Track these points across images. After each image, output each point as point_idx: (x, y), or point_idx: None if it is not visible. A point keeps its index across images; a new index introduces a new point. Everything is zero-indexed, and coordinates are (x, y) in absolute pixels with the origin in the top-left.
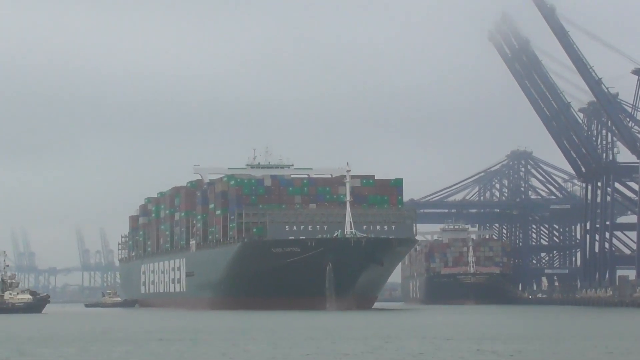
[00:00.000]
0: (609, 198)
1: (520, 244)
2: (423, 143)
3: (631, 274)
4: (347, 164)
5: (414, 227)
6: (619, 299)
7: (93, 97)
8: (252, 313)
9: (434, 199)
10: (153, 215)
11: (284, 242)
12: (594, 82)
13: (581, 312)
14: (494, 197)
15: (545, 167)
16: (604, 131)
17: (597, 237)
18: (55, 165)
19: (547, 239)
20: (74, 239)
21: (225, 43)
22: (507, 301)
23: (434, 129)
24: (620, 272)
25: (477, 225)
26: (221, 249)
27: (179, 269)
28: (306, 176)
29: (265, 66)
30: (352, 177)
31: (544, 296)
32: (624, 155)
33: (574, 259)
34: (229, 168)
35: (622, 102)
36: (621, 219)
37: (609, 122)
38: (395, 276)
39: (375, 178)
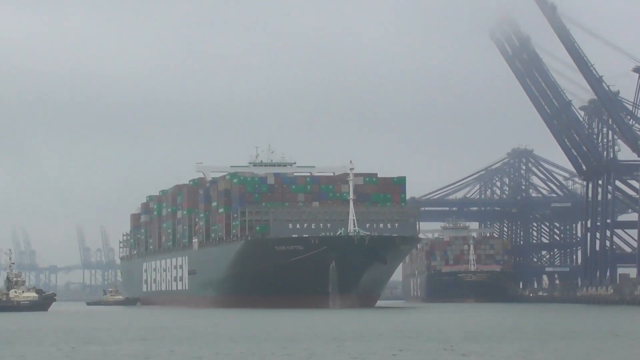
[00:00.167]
0: (609, 196)
1: (521, 242)
2: (423, 141)
3: (632, 272)
4: (350, 162)
5: (417, 225)
6: (619, 297)
7: (93, 96)
8: (259, 312)
9: (434, 197)
10: (155, 213)
11: (288, 240)
12: (594, 80)
13: (580, 310)
14: (495, 195)
15: (546, 165)
16: (604, 129)
17: (598, 235)
18: (55, 164)
19: (548, 237)
20: (75, 237)
21: (228, 41)
22: (508, 299)
23: (434, 127)
24: (621, 270)
25: (478, 223)
26: (224, 247)
27: (181, 267)
28: (309, 174)
29: (267, 65)
30: (355, 175)
31: (545, 294)
32: (625, 153)
33: (574, 257)
34: (231, 166)
35: (623, 100)
36: (622, 217)
37: (610, 120)
38: (396, 274)
39: (378, 176)
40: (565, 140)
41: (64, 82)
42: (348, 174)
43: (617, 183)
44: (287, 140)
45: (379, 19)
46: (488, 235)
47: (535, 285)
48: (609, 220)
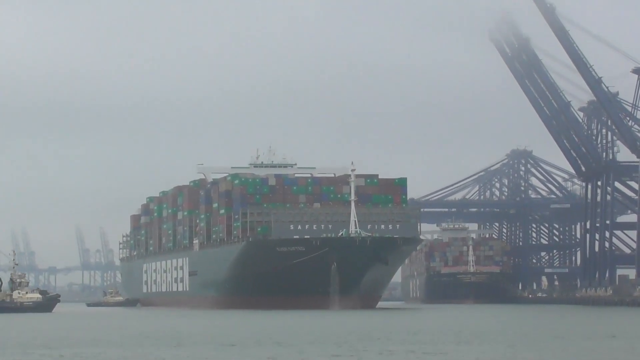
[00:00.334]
0: (609, 197)
1: (520, 243)
2: (423, 142)
3: (631, 273)
4: (352, 163)
5: (418, 226)
6: (618, 298)
7: (93, 96)
8: (263, 313)
9: (434, 198)
10: (155, 214)
11: (289, 242)
12: (594, 81)
13: (578, 311)
14: (494, 196)
15: (545, 166)
16: (604, 130)
17: (597, 236)
18: (55, 164)
19: (547, 238)
20: (74, 239)
21: (229, 42)
22: (507, 300)
23: (433, 128)
24: (620, 272)
25: (477, 224)
26: (225, 248)
27: (181, 268)
28: (310, 175)
29: (268, 65)
30: (356, 176)
31: (544, 295)
32: (624, 154)
33: (574, 258)
34: (232, 167)
35: (622, 101)
36: (621, 218)
37: (609, 121)
38: (395, 275)
39: (379, 177)
40: (565, 141)
41: (64, 82)
42: (349, 175)
43: (616, 184)
44: (287, 141)
45: (378, 21)
46: (487, 236)
47: (535, 287)
48: (608, 222)
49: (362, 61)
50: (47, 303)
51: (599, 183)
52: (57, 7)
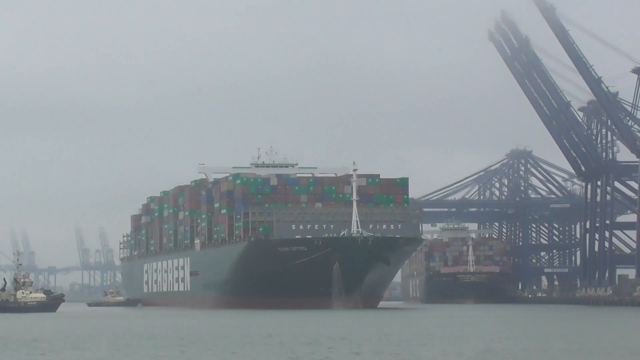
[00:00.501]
0: (608, 197)
1: (520, 243)
2: (422, 142)
3: (631, 273)
4: (354, 162)
5: (420, 226)
6: (618, 298)
7: (94, 95)
8: (268, 313)
9: (433, 198)
10: (156, 214)
11: (291, 241)
12: (593, 81)
13: (577, 311)
14: (494, 196)
15: (545, 166)
16: (603, 130)
17: (596, 236)
18: (55, 164)
19: (546, 238)
20: (74, 238)
21: (229, 42)
22: (507, 300)
23: (433, 128)
24: (620, 271)
25: (476, 224)
26: (227, 248)
27: (182, 268)
28: (311, 175)
29: (269, 65)
30: (358, 176)
31: (544, 295)
32: (624, 154)
33: (573, 258)
34: (233, 167)
35: (621, 101)
36: (621, 218)
37: (609, 121)
38: (395, 275)
39: (381, 177)
40: (564, 141)
41: (64, 82)
42: (351, 175)
43: (616, 184)
44: (288, 141)
45: (379, 21)
46: (487, 236)
47: (534, 287)
48: (607, 221)
49: (363, 61)
50: (52, 303)
51: (599, 183)
52: (57, 6)
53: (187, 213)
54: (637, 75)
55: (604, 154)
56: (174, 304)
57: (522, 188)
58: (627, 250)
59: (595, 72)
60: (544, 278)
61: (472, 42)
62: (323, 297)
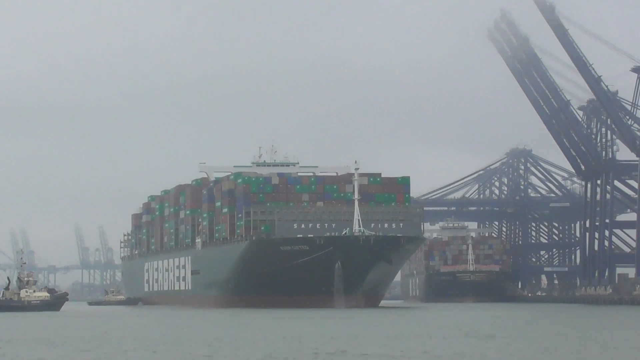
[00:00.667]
0: (608, 196)
1: (520, 241)
2: (422, 141)
3: (631, 271)
4: (356, 161)
5: (422, 225)
6: (618, 297)
7: (94, 95)
8: (272, 311)
9: (433, 197)
10: (157, 213)
11: (293, 240)
12: (593, 80)
13: (577, 310)
14: (494, 195)
15: (544, 165)
16: (603, 129)
17: (596, 235)
18: (54, 164)
19: (546, 237)
20: (73, 237)
21: (229, 42)
22: (507, 299)
23: (433, 127)
24: (619, 270)
25: (476, 223)
26: (228, 247)
27: (184, 267)
28: (312, 174)
29: (269, 65)
30: (359, 175)
31: (544, 294)
32: (624, 153)
33: (573, 256)
34: (234, 166)
35: (621, 100)
36: (621, 217)
37: (609, 120)
38: None
39: (382, 176)
40: (564, 140)
41: (64, 82)
42: (353, 174)
43: (616, 183)
44: (290, 140)
45: (379, 21)
46: (487, 235)
47: (534, 285)
48: (607, 220)
49: (364, 60)
50: (55, 302)
51: (599, 182)
52: (57, 6)
53: (188, 212)
54: (636, 74)
55: (604, 153)
56: (175, 303)
57: (521, 187)
58: (627, 249)
59: (595, 71)
60: (543, 277)
61: (471, 42)
62: (325, 296)
